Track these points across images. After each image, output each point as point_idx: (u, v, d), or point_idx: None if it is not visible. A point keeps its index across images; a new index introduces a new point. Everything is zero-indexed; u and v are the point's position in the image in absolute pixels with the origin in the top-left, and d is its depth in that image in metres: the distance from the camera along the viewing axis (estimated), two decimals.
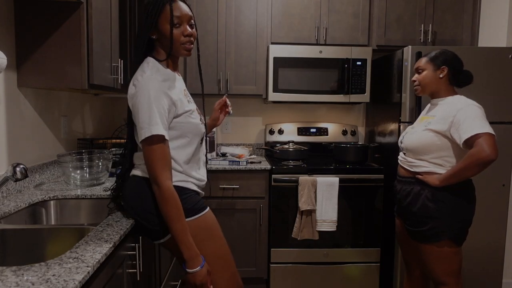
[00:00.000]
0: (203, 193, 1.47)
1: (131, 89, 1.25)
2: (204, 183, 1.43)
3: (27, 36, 1.64)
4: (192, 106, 1.36)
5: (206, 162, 1.53)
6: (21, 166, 1.27)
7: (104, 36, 1.83)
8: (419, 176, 1.74)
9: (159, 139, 1.20)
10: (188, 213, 1.28)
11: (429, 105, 1.88)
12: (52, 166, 1.97)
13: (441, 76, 1.74)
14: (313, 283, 2.58)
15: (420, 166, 1.75)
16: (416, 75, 1.82)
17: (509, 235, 2.53)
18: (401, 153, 1.91)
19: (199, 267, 1.23)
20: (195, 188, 1.37)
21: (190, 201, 1.31)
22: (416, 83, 1.81)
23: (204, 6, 2.72)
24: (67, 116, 2.15)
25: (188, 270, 1.23)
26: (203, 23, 2.74)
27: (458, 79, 1.77)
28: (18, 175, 1.26)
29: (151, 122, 1.18)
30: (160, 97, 1.20)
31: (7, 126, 1.62)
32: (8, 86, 1.63)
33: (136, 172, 1.34)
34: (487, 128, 1.57)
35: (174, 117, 1.26)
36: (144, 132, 1.19)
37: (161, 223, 1.27)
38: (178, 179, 1.30)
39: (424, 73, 1.77)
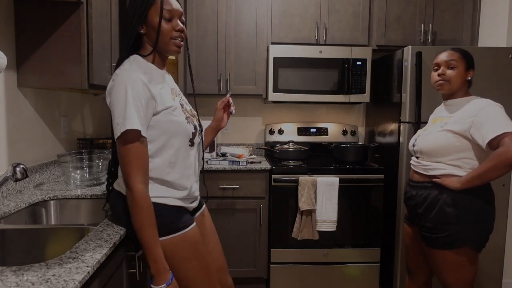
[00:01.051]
0: (193, 205, 1.34)
1: (109, 84, 1.17)
2: (188, 192, 1.28)
3: (27, 36, 1.64)
4: (176, 103, 1.24)
5: (203, 168, 1.40)
6: (21, 166, 1.27)
7: (104, 36, 1.83)
8: (437, 180, 1.65)
9: (135, 136, 1.10)
10: (163, 231, 1.17)
11: (441, 106, 1.80)
12: (52, 166, 1.97)
13: (469, 78, 1.68)
14: (313, 283, 2.58)
15: (437, 168, 1.66)
16: (446, 69, 1.68)
17: (509, 235, 2.53)
18: (413, 158, 1.82)
19: (164, 285, 1.12)
20: (176, 203, 1.23)
21: (165, 219, 1.19)
22: (445, 77, 1.67)
23: (204, 6, 2.72)
24: (67, 116, 2.15)
25: (152, 286, 1.12)
26: (203, 23, 2.74)
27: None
28: (18, 175, 1.26)
29: (125, 116, 1.08)
30: (137, 89, 1.10)
31: (7, 126, 1.62)
32: (8, 86, 1.63)
33: (115, 185, 1.27)
34: None
35: (154, 114, 1.16)
36: (119, 128, 1.09)
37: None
38: (153, 194, 1.17)
39: (457, 70, 1.66)
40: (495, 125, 1.50)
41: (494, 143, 1.49)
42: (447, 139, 1.62)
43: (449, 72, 1.67)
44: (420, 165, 1.74)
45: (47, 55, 1.65)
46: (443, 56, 1.70)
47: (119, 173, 1.26)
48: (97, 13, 1.72)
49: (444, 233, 1.62)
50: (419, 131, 1.85)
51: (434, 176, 1.67)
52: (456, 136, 1.61)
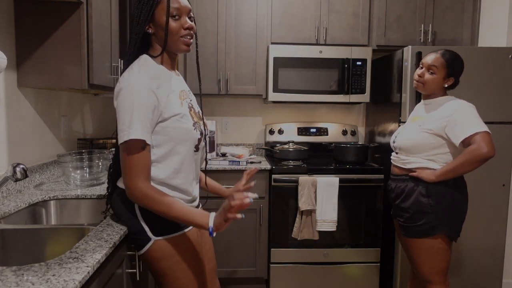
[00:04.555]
0: (194, 205, 1.34)
1: (116, 87, 1.15)
2: (190, 196, 1.29)
3: (27, 36, 1.64)
4: (184, 109, 1.22)
5: (205, 169, 1.44)
6: (21, 166, 1.27)
7: (104, 36, 1.83)
8: (413, 174, 1.77)
9: (138, 145, 1.10)
10: (167, 229, 1.19)
11: (421, 104, 1.89)
12: (52, 166, 1.97)
13: (446, 85, 1.78)
14: (313, 283, 2.58)
15: (414, 162, 1.78)
16: (425, 72, 1.77)
17: (509, 235, 2.53)
18: (393, 153, 1.94)
19: (210, 230, 1.10)
20: None
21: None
22: (421, 79, 1.78)
23: (204, 7, 2.72)
24: (67, 116, 2.15)
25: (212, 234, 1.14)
26: (203, 24, 2.74)
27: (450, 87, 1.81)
28: (18, 175, 1.26)
29: (131, 125, 1.09)
30: (144, 96, 1.10)
31: (7, 126, 1.62)
32: (8, 86, 1.63)
33: (120, 183, 1.27)
34: (483, 127, 1.63)
35: (160, 121, 1.15)
36: (122, 135, 1.10)
37: (139, 237, 1.21)
38: None
39: (435, 76, 1.74)
40: (468, 125, 1.64)
41: (466, 141, 1.64)
42: (424, 138, 1.73)
43: (427, 75, 1.77)
44: (399, 160, 1.86)
45: (47, 55, 1.65)
46: (429, 58, 1.78)
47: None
48: (97, 13, 1.72)
49: (420, 221, 1.74)
50: (399, 128, 1.95)
51: (411, 170, 1.79)
52: (431, 135, 1.72)
